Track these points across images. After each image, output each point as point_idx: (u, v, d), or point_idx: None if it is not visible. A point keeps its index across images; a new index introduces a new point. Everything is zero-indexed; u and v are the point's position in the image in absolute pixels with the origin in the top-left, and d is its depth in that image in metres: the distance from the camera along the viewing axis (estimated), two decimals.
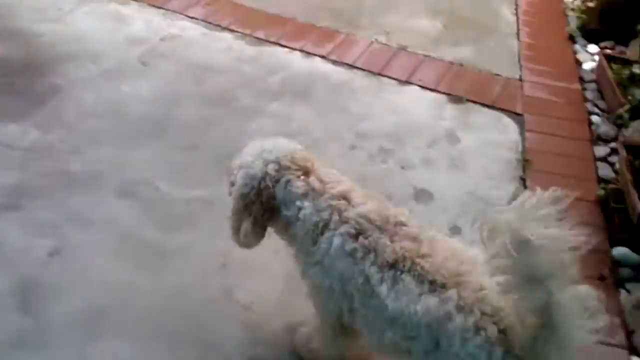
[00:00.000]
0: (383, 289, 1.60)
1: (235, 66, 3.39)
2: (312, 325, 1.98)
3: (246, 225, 1.80)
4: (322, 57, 3.54)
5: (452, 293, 1.52)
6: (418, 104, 3.28)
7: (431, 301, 1.53)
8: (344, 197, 1.73)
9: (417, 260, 1.59)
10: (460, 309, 1.51)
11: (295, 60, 3.50)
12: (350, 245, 1.66)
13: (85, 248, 2.33)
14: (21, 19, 3.56)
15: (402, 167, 2.88)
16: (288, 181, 1.77)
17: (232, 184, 1.84)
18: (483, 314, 1.49)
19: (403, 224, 1.68)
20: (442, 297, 1.53)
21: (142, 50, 3.39)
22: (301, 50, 3.57)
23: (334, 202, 1.72)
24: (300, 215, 1.74)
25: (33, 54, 3.31)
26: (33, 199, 2.51)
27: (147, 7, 3.77)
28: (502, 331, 1.47)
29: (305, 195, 1.75)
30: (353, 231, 1.67)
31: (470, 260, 1.59)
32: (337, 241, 1.68)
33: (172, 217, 2.50)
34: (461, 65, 3.59)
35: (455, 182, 2.85)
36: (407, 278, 1.58)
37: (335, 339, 1.88)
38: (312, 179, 1.77)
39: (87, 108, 3.00)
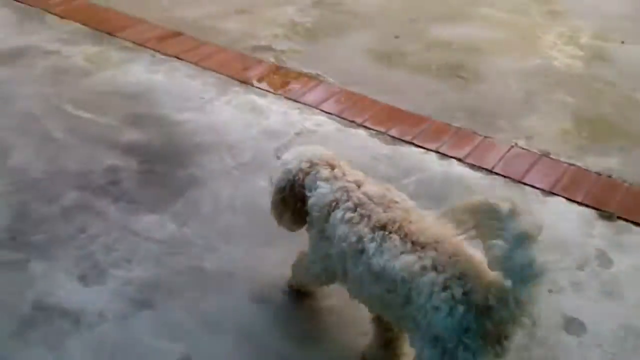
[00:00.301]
0: (372, 246, 1.86)
1: (370, 165, 3.30)
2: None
3: (287, 214, 2.18)
4: (459, 160, 3.41)
5: (429, 253, 1.76)
6: (564, 218, 3.05)
7: (410, 258, 1.77)
8: (357, 182, 2.05)
9: (405, 224, 1.85)
10: (433, 267, 1.73)
11: (431, 162, 3.38)
12: (349, 214, 1.95)
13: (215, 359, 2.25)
14: (164, 105, 3.69)
15: (550, 291, 2.64)
16: (316, 172, 2.10)
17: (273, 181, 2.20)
18: (452, 275, 1.70)
19: (397, 202, 1.96)
20: (420, 256, 1.76)
21: (278, 144, 3.38)
22: (437, 152, 3.46)
23: (346, 185, 2.04)
24: (318, 193, 2.05)
25: (173, 142, 3.39)
26: (167, 297, 2.48)
27: (284, 99, 3.81)
28: (466, 293, 1.67)
29: (326, 180, 2.07)
30: (352, 205, 1.97)
31: (452, 233, 1.78)
32: (339, 213, 1.97)
33: (305, 329, 2.39)
34: (609, 176, 3.34)
35: (609, 312, 2.58)
36: (394, 237, 1.83)
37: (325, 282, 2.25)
38: (336, 170, 2.10)
39: (223, 202, 2.99)
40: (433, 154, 3.45)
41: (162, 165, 3.21)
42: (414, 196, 3.09)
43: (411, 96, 3.97)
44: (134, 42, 4.34)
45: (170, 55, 4.20)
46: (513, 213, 1.58)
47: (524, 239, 1.55)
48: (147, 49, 4.27)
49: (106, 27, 4.53)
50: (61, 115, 3.53)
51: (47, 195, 2.95)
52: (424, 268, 1.74)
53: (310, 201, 2.09)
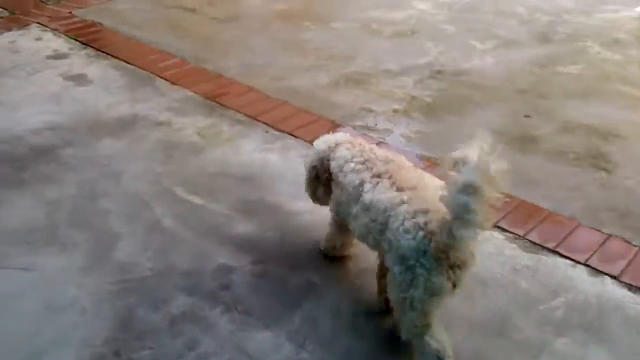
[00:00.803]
0: (367, 187, 2.41)
1: (509, 279, 2.90)
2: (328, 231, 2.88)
3: (320, 188, 2.74)
4: (613, 277, 2.93)
5: (407, 193, 2.29)
6: None
7: (393, 194, 2.31)
8: (372, 150, 2.57)
9: (394, 174, 2.39)
10: (407, 202, 2.25)
11: (580, 278, 2.93)
12: (358, 166, 2.50)
13: None
14: (278, 191, 3.41)
15: None
16: (340, 145, 2.65)
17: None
18: (419, 208, 2.21)
19: (394, 161, 2.49)
20: (400, 194, 2.30)
21: None
22: (586, 265, 3.00)
23: (361, 147, 2.60)
24: (338, 156, 2.62)
25: (288, 238, 3.09)
26: None
27: None
28: (426, 223, 2.17)
29: (346, 148, 2.62)
30: (362, 159, 2.51)
31: (433, 184, 2.29)
32: (351, 165, 2.52)
33: None
34: None
35: None
36: (384, 181, 2.38)
37: (339, 235, 2.81)
38: (356, 144, 2.63)
39: (344, 319, 2.64)
40: (582, 267, 2.99)
41: (276, 266, 2.91)
42: (565, 324, 2.68)
43: (548, 190, 3.53)
44: (246, 115, 4.12)
45: (284, 131, 3.95)
46: (466, 165, 1.96)
47: (467, 186, 1.94)
48: (260, 123, 4.05)
49: (218, 96, 4.36)
50: (171, 199, 3.31)
51: (154, 298, 2.70)
52: (401, 202, 2.27)
53: (332, 164, 2.62)
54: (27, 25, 5.43)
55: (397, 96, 4.49)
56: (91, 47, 5.04)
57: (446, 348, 2.27)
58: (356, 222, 2.46)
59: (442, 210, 2.07)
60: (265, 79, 4.64)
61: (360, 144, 2.62)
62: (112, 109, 4.18)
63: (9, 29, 5.33)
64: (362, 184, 2.43)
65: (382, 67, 4.91)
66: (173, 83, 4.53)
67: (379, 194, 2.34)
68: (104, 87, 4.46)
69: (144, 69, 4.72)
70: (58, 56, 4.89)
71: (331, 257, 2.94)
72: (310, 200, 2.88)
